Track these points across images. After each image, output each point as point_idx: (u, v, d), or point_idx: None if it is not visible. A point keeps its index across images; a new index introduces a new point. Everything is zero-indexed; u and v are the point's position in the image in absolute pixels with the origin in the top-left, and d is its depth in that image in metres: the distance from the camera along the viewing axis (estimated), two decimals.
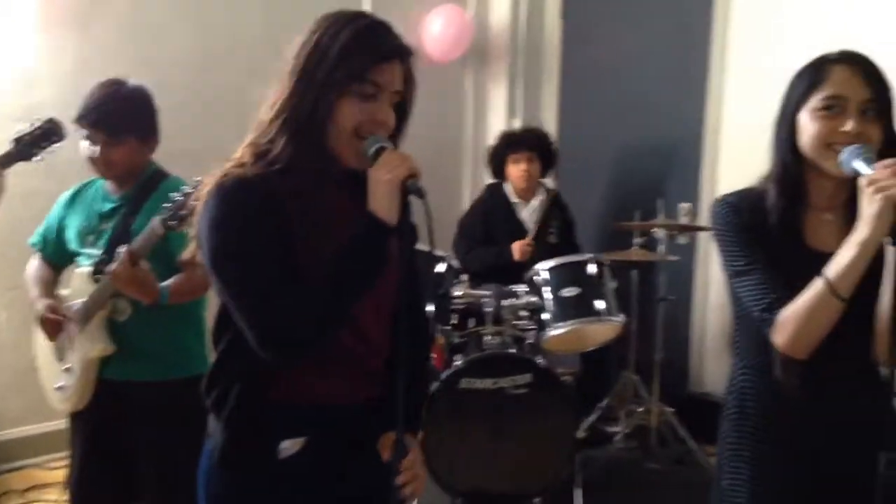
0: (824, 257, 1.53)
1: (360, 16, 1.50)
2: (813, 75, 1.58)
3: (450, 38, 4.72)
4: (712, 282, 4.28)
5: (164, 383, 2.42)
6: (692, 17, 4.28)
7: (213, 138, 3.85)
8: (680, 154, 4.38)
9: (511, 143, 4.03)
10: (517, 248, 3.87)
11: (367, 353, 1.55)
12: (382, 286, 1.49)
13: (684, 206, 4.30)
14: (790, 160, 1.59)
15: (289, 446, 1.48)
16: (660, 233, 3.79)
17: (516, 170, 3.98)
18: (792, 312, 1.52)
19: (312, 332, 1.41)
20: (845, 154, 1.49)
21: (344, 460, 1.55)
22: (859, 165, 1.45)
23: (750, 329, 1.65)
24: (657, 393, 3.84)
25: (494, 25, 5.09)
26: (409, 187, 1.40)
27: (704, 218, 4.23)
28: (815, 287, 1.49)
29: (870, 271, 1.47)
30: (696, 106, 4.27)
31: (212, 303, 2.62)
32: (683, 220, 4.20)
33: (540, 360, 3.30)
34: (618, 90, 4.66)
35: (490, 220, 4.05)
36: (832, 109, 1.53)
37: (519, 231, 4.01)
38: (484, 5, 5.07)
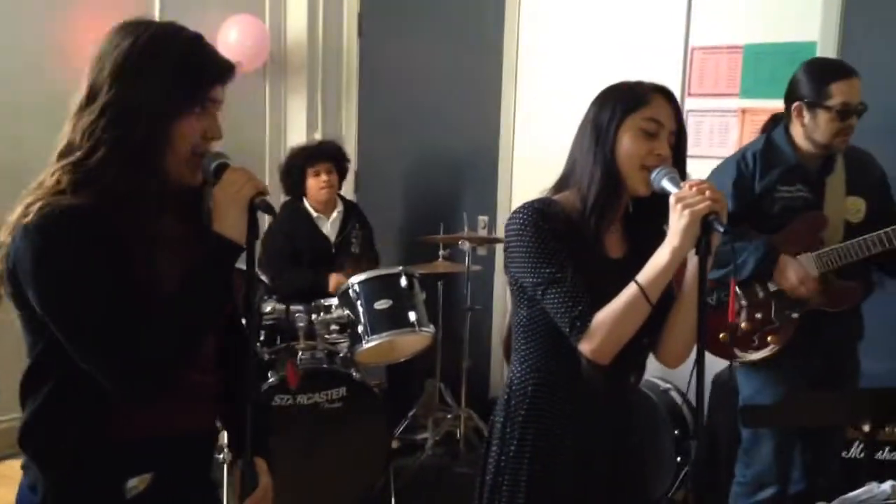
0: (613, 263, 1.68)
1: (177, 29, 1.42)
2: (634, 96, 1.70)
3: (247, 49, 4.61)
4: (510, 291, 4.49)
5: None
6: (486, 37, 4.49)
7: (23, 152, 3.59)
8: (477, 168, 4.57)
9: (309, 156, 4.00)
10: (335, 282, 3.79)
11: (203, 380, 1.50)
12: None
13: (482, 218, 4.50)
14: (611, 174, 1.68)
15: (136, 484, 1.41)
16: (465, 245, 3.93)
17: (317, 182, 3.95)
18: (604, 318, 1.60)
19: (172, 362, 1.35)
20: (655, 174, 1.63)
21: (191, 492, 1.50)
22: (667, 185, 1.60)
23: (544, 334, 1.70)
24: (465, 399, 3.96)
25: (291, 37, 5.03)
26: (257, 205, 1.38)
27: (501, 230, 4.45)
28: (628, 292, 1.59)
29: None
30: (492, 121, 4.49)
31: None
32: (482, 233, 4.39)
33: (355, 373, 3.31)
34: (416, 105, 4.78)
35: (294, 238, 3.97)
36: (650, 132, 1.66)
37: (324, 245, 3.99)
38: (280, 17, 5.00)
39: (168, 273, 1.36)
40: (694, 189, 1.53)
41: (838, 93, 2.57)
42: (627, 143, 1.67)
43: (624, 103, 1.69)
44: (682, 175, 1.69)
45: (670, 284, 1.64)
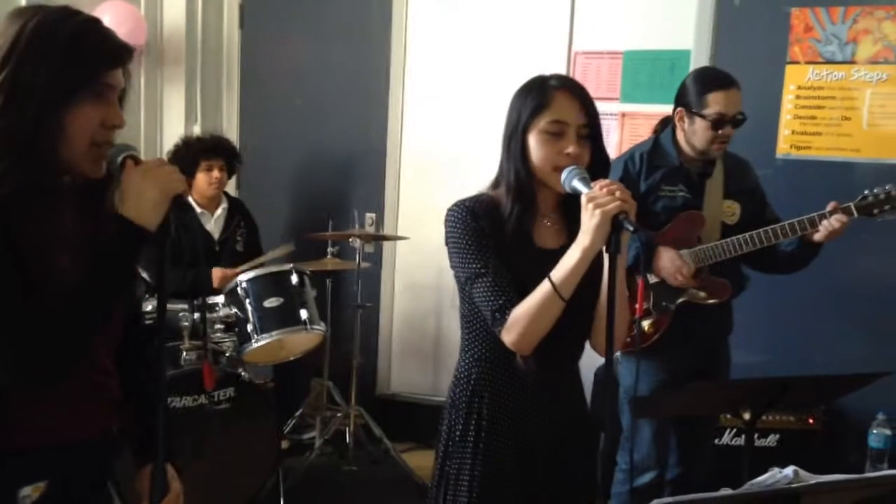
0: (549, 254, 1.73)
1: (71, 13, 1.35)
2: (538, 98, 1.74)
3: (120, 35, 4.39)
4: (398, 289, 4.52)
5: None
6: (373, 34, 4.48)
7: None
8: (364, 165, 4.55)
9: (203, 150, 3.87)
10: (219, 277, 3.69)
11: (102, 383, 1.44)
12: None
13: (370, 215, 4.49)
14: (523, 175, 1.74)
15: (29, 493, 1.33)
16: (357, 242, 3.91)
17: (208, 177, 3.83)
18: (521, 312, 1.68)
19: (69, 353, 1.29)
20: (565, 174, 1.69)
21: (89, 499, 1.43)
22: (578, 185, 1.66)
23: (483, 326, 1.78)
24: (354, 398, 3.95)
25: (168, 26, 4.83)
26: (178, 201, 1.35)
27: (388, 227, 4.46)
28: (542, 289, 1.67)
29: (590, 276, 1.68)
30: (379, 119, 4.48)
31: None
32: (370, 230, 4.38)
33: (243, 373, 3.24)
34: (301, 101, 4.71)
35: (176, 233, 3.83)
36: (555, 134, 1.72)
37: (207, 243, 3.87)
38: (156, 5, 4.79)
39: (63, 268, 1.30)
40: (604, 189, 1.59)
41: (714, 103, 2.71)
42: (535, 148, 1.73)
43: (527, 108, 1.74)
44: (606, 166, 1.75)
45: (596, 278, 1.70)
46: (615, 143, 3.92)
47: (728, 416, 3.30)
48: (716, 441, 3.30)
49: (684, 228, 2.82)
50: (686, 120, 2.78)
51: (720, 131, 2.72)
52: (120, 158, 1.35)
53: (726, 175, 2.86)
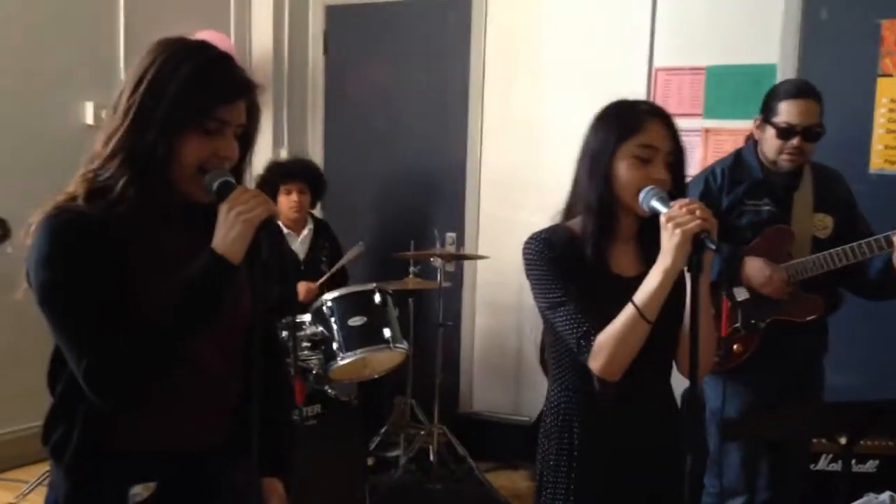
0: (628, 282, 1.72)
1: (201, 48, 1.45)
2: (629, 122, 1.73)
3: None
4: (479, 308, 4.54)
5: None
6: (452, 55, 4.55)
7: None
8: (445, 185, 4.61)
9: (283, 174, 4.01)
10: (304, 290, 3.81)
11: (217, 393, 1.50)
12: (231, 322, 1.46)
13: (450, 235, 4.53)
14: (606, 198, 1.73)
15: (139, 492, 1.40)
16: (437, 261, 3.96)
17: (288, 200, 3.96)
18: (606, 338, 1.66)
19: (138, 374, 1.35)
20: (643, 194, 1.68)
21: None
22: (656, 204, 1.65)
23: (567, 354, 1.77)
24: (437, 416, 3.98)
25: (257, 54, 5.03)
26: (267, 227, 1.39)
27: (469, 246, 4.49)
28: (626, 313, 1.65)
29: (673, 296, 1.66)
30: (459, 139, 4.54)
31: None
32: (450, 249, 4.42)
33: (329, 391, 3.31)
34: (383, 123, 4.81)
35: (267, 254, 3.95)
36: (644, 159, 1.71)
37: (294, 263, 3.98)
38: (245, 33, 4.99)
39: (165, 286, 1.37)
40: (684, 209, 1.58)
41: (784, 112, 2.67)
42: (623, 172, 1.71)
43: (617, 131, 1.72)
44: (683, 194, 1.74)
45: (679, 298, 1.68)
46: (698, 159, 3.86)
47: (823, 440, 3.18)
48: (811, 466, 3.18)
49: (772, 243, 2.76)
50: (760, 129, 2.74)
51: (788, 142, 2.67)
52: (216, 185, 1.40)
53: (816, 187, 2.78)
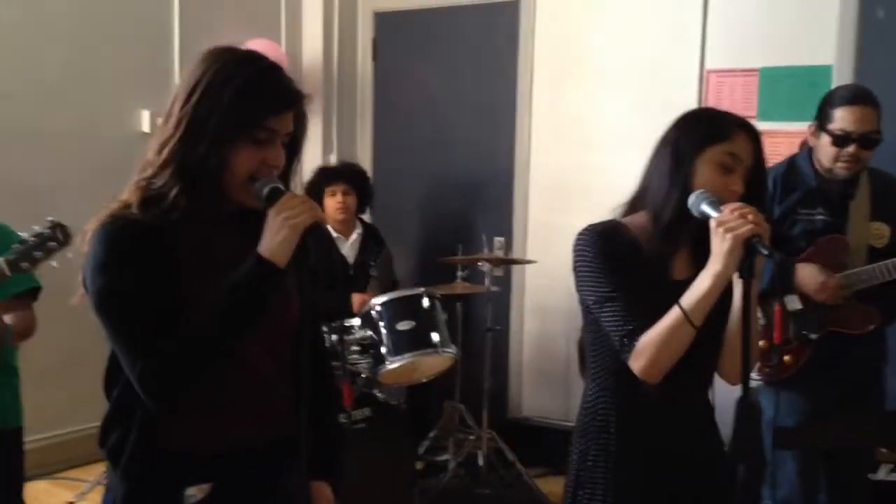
0: (678, 284, 1.69)
1: (252, 58, 1.47)
2: (717, 128, 1.71)
3: None
4: (527, 312, 4.53)
5: None
6: (500, 60, 4.55)
7: (3, 168, 3.68)
8: (493, 189, 4.61)
9: (328, 176, 4.05)
10: (358, 303, 3.83)
11: (268, 396, 1.52)
12: (279, 326, 1.48)
13: (498, 239, 4.53)
14: (681, 199, 1.68)
15: (195, 493, 1.43)
16: (485, 266, 3.96)
17: (332, 202, 4.00)
18: (650, 339, 1.64)
19: (189, 377, 1.39)
20: (692, 199, 1.65)
21: None
22: (707, 209, 1.62)
23: (608, 352, 1.76)
24: (486, 420, 3.98)
25: (307, 61, 5.09)
26: (313, 232, 1.41)
27: (517, 251, 4.48)
28: (672, 315, 1.63)
29: (719, 302, 1.63)
30: (507, 143, 4.54)
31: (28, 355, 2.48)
32: (498, 254, 4.42)
33: (378, 395, 3.33)
34: (431, 128, 4.83)
35: (314, 259, 4.00)
36: (727, 167, 1.68)
37: (343, 267, 4.01)
38: (296, 41, 5.07)
39: (214, 290, 1.40)
40: (735, 213, 1.56)
41: (839, 119, 2.61)
42: (704, 174, 1.68)
43: (707, 133, 1.70)
44: (763, 210, 1.68)
45: (726, 304, 1.66)
46: None
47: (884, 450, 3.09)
48: (871, 476, 3.10)
49: (827, 253, 2.70)
50: (815, 135, 2.68)
51: (844, 149, 2.60)
52: (265, 191, 1.43)
53: (873, 195, 2.72)
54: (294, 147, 1.51)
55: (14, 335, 2.21)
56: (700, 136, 1.71)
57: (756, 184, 1.72)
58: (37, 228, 1.99)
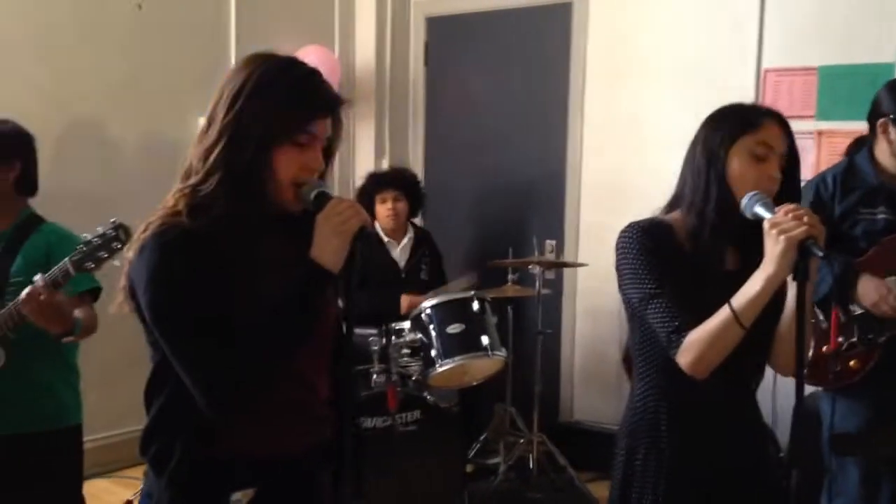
0: (730, 277, 1.67)
1: (293, 64, 1.49)
2: (746, 119, 1.71)
3: None
4: (578, 315, 4.49)
5: (39, 435, 2.34)
6: (552, 63, 4.53)
7: (67, 175, 3.80)
8: (544, 192, 4.59)
9: (378, 183, 4.08)
10: (407, 303, 3.86)
11: (310, 400, 1.54)
12: (320, 330, 1.50)
13: (550, 242, 4.50)
14: (717, 196, 1.69)
15: (239, 498, 1.45)
16: (536, 269, 3.94)
17: (383, 209, 4.03)
18: (698, 336, 1.63)
19: (251, 386, 1.40)
20: (745, 200, 1.63)
21: None
22: (760, 210, 1.60)
23: (659, 352, 1.73)
24: (536, 424, 3.95)
25: (360, 67, 5.15)
26: (362, 236, 1.42)
27: (569, 253, 4.45)
28: (722, 314, 1.60)
29: (770, 303, 1.61)
30: (558, 146, 4.51)
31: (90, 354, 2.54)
32: (550, 257, 4.39)
33: (428, 397, 3.34)
34: (482, 131, 4.83)
35: (363, 263, 4.02)
36: (760, 157, 1.68)
37: (394, 271, 4.04)
38: (349, 48, 5.12)
39: (269, 295, 1.41)
40: (790, 214, 1.53)
41: None
42: (738, 166, 1.69)
43: (735, 126, 1.70)
44: (797, 199, 1.70)
45: (778, 303, 1.63)
46: (811, 163, 3.71)
47: None
48: None
49: (889, 253, 2.61)
50: (892, 129, 2.60)
51: None
52: (313, 195, 1.45)
53: None
54: (329, 151, 1.53)
55: (82, 329, 2.26)
56: (729, 129, 1.70)
57: (790, 172, 1.71)
58: (100, 229, 2.05)
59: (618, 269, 1.76)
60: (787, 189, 1.70)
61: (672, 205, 1.80)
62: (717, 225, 1.69)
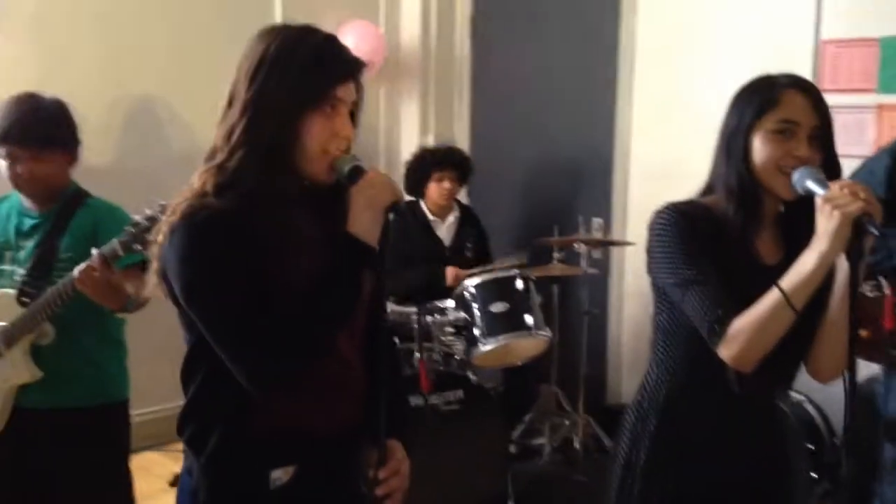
0: (770, 271, 1.58)
1: (309, 31, 1.47)
2: (765, 96, 1.61)
3: (363, 54, 4.65)
4: (626, 295, 4.41)
5: (87, 409, 2.37)
6: (601, 38, 4.42)
7: (120, 152, 3.85)
8: (591, 170, 4.50)
9: (435, 162, 4.02)
10: (452, 275, 3.83)
11: (347, 377, 1.53)
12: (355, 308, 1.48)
13: (597, 220, 4.42)
14: (746, 178, 1.61)
15: (280, 475, 1.45)
16: (581, 248, 3.87)
17: (439, 188, 3.98)
18: (744, 324, 1.53)
19: (298, 362, 1.39)
20: (797, 175, 1.54)
21: (333, 486, 1.52)
22: (813, 186, 1.50)
23: (685, 339, 1.66)
24: (582, 405, 3.90)
25: (405, 42, 5.10)
26: (394, 210, 1.41)
27: (616, 232, 4.36)
28: (771, 299, 1.51)
29: (819, 287, 1.52)
30: (606, 123, 4.40)
31: (142, 329, 2.57)
32: (597, 235, 4.31)
33: (471, 377, 3.31)
34: (529, 107, 4.75)
35: (408, 239, 4.01)
36: (785, 133, 1.57)
37: (438, 249, 4.01)
38: (394, 22, 5.08)
39: (304, 270, 1.40)
40: (845, 189, 1.44)
41: None
42: (760, 149, 1.60)
43: (754, 107, 1.61)
44: (837, 171, 1.59)
45: (824, 290, 1.55)
46: (871, 138, 3.54)
47: None
48: None
49: None
50: None
51: None
52: (347, 168, 1.43)
53: None
54: (352, 118, 1.50)
55: (135, 305, 2.28)
56: (749, 110, 1.61)
57: (825, 142, 1.59)
58: (148, 212, 2.07)
59: (650, 251, 1.67)
60: (823, 163, 1.58)
61: (708, 189, 1.72)
62: (745, 209, 1.61)
